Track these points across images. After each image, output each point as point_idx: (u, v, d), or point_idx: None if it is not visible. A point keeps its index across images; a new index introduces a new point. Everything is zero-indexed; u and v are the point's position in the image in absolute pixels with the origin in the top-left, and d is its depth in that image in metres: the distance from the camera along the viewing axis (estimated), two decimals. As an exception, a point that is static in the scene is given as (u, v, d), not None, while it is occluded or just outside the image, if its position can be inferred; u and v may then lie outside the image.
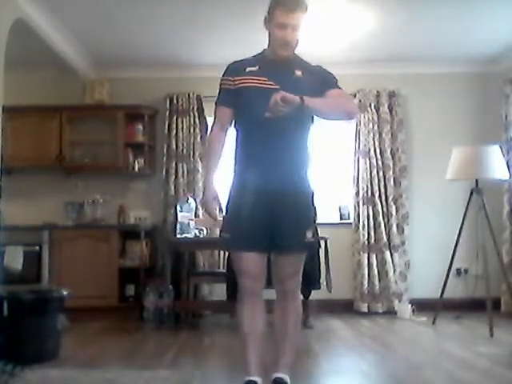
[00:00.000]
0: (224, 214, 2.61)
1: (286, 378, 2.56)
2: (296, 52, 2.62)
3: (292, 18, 2.45)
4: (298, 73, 2.55)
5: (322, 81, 2.57)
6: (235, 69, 2.60)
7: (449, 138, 5.56)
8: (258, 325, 2.57)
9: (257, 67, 2.56)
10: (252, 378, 2.51)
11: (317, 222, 2.66)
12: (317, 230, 3.66)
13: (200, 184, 5.62)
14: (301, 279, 2.64)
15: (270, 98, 2.31)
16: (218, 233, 5.50)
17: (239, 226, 2.51)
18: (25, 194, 5.63)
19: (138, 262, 5.36)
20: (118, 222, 5.69)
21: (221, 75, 2.66)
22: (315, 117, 2.60)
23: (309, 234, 2.56)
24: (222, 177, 2.70)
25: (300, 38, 2.55)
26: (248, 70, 2.56)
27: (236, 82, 2.57)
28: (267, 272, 2.59)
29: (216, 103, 2.69)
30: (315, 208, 2.67)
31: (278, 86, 2.45)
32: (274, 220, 2.50)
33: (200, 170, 5.65)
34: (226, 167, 2.69)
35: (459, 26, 4.80)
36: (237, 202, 2.56)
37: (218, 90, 2.66)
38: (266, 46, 2.63)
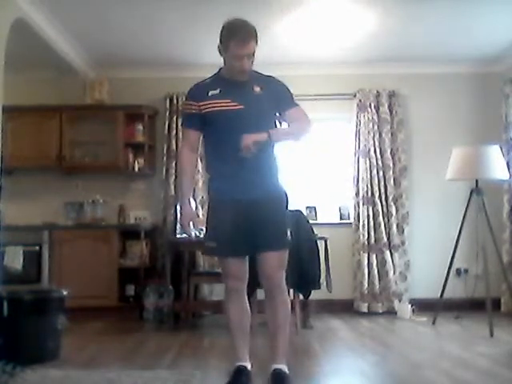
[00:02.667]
0: (206, 222, 2.83)
1: (284, 367, 2.77)
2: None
3: (246, 48, 2.60)
4: (257, 89, 2.73)
5: (278, 97, 2.76)
6: (198, 93, 2.76)
7: (449, 138, 5.56)
8: (244, 318, 2.87)
9: (218, 90, 2.72)
10: (242, 364, 2.82)
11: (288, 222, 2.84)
12: (313, 231, 4.25)
13: (200, 184, 5.63)
14: (285, 275, 2.82)
15: (235, 118, 2.63)
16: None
17: (222, 235, 2.74)
18: (25, 194, 5.63)
19: (138, 261, 5.37)
20: (118, 221, 5.69)
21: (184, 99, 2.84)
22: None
23: (288, 232, 2.79)
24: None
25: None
26: (210, 93, 2.72)
27: (201, 107, 2.73)
28: (255, 275, 2.80)
29: (183, 126, 2.90)
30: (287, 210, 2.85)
31: (241, 106, 2.68)
32: (254, 226, 2.70)
33: (200, 170, 5.64)
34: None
35: (459, 26, 4.80)
36: (216, 214, 2.79)
37: (182, 114, 2.87)
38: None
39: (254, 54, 2.65)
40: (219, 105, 2.70)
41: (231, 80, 2.72)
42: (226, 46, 2.63)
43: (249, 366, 2.83)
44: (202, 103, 2.72)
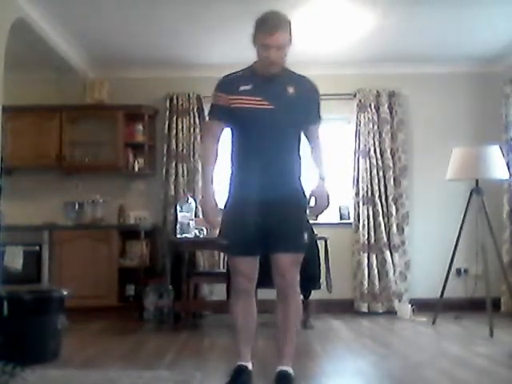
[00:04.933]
0: (221, 218, 2.75)
1: (290, 369, 2.72)
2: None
3: (273, 39, 2.56)
4: (291, 90, 2.67)
5: (309, 105, 2.74)
6: (229, 86, 2.69)
7: (449, 138, 5.56)
8: (250, 318, 2.81)
9: (250, 86, 2.65)
10: (243, 363, 2.78)
11: (310, 225, 2.76)
12: (313, 231, 3.94)
13: (200, 184, 5.63)
14: (299, 277, 2.76)
15: (265, 118, 2.61)
16: (217, 233, 5.55)
17: (236, 233, 2.68)
18: (25, 194, 5.63)
19: (138, 261, 5.37)
20: (118, 221, 5.69)
21: (214, 89, 2.75)
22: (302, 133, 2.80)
23: (305, 236, 2.72)
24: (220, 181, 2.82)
25: (287, 52, 2.63)
26: (242, 89, 2.65)
27: (231, 102, 2.66)
28: (266, 273, 2.75)
29: (209, 116, 2.82)
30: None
31: (272, 106, 2.63)
32: (271, 227, 2.64)
33: (200, 170, 5.65)
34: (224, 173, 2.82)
35: (459, 26, 4.80)
36: (234, 210, 2.72)
37: (210, 103, 2.78)
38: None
39: (285, 47, 2.59)
40: (249, 102, 2.64)
41: (264, 76, 2.66)
42: (255, 37, 2.61)
43: (250, 366, 2.81)
44: (231, 97, 2.66)
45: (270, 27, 2.55)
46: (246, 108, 2.64)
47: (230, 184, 2.77)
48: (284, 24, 2.58)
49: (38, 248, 5.25)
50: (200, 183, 5.63)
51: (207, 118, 2.84)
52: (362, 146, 5.68)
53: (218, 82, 2.74)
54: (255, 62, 2.70)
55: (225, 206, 2.77)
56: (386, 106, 5.73)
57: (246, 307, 2.79)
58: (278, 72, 2.66)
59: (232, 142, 2.78)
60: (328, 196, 2.67)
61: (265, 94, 2.63)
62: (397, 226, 5.62)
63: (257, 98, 2.63)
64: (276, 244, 2.66)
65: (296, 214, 2.69)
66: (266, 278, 2.78)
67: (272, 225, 2.64)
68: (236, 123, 2.70)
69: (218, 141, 2.78)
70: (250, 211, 2.64)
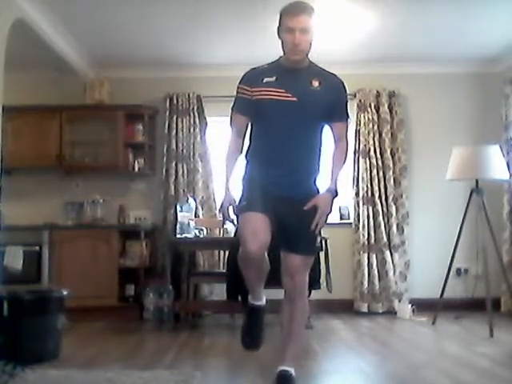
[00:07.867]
0: (241, 193, 2.68)
1: (291, 370, 2.68)
2: (311, 59, 2.70)
3: (297, 21, 2.56)
4: (315, 83, 2.64)
5: (334, 101, 2.67)
6: (252, 78, 2.67)
7: (449, 138, 5.56)
8: (263, 274, 2.73)
9: (274, 78, 2.62)
10: (256, 303, 2.81)
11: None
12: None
13: (200, 184, 5.64)
14: (308, 280, 2.74)
15: (287, 110, 2.57)
16: (217, 233, 5.57)
17: (254, 197, 2.59)
18: (25, 194, 5.62)
19: (138, 261, 5.37)
20: (118, 221, 5.69)
21: (237, 82, 2.73)
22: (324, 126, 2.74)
23: (318, 239, 2.74)
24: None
25: (312, 42, 2.64)
26: (265, 80, 2.62)
27: (254, 93, 2.63)
28: (274, 272, 2.71)
29: (232, 109, 2.77)
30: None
31: (295, 99, 2.58)
32: (286, 225, 2.61)
33: (200, 170, 5.65)
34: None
35: (459, 26, 4.80)
36: (252, 185, 2.66)
37: (234, 97, 2.73)
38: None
39: (309, 32, 2.59)
40: (272, 93, 2.60)
41: (290, 69, 2.64)
42: (280, 25, 2.60)
43: (263, 303, 2.83)
44: (254, 89, 2.63)
45: (295, 10, 2.57)
46: (268, 99, 2.61)
47: (245, 177, 2.72)
48: (309, 10, 2.60)
49: (37, 248, 5.24)
50: (200, 183, 5.65)
51: (230, 111, 2.78)
52: (361, 146, 5.68)
53: (243, 75, 2.72)
54: (281, 57, 2.69)
55: (243, 184, 2.71)
56: (386, 106, 5.72)
57: (258, 272, 2.70)
58: (303, 65, 2.66)
59: (252, 134, 2.75)
60: (328, 213, 2.62)
61: (288, 86, 2.60)
62: (397, 226, 5.62)
63: (280, 90, 2.60)
64: (288, 243, 2.64)
65: (312, 217, 2.61)
66: (274, 277, 2.76)
67: (286, 223, 2.61)
68: (258, 115, 2.66)
69: (242, 135, 2.75)
70: (266, 200, 2.57)
